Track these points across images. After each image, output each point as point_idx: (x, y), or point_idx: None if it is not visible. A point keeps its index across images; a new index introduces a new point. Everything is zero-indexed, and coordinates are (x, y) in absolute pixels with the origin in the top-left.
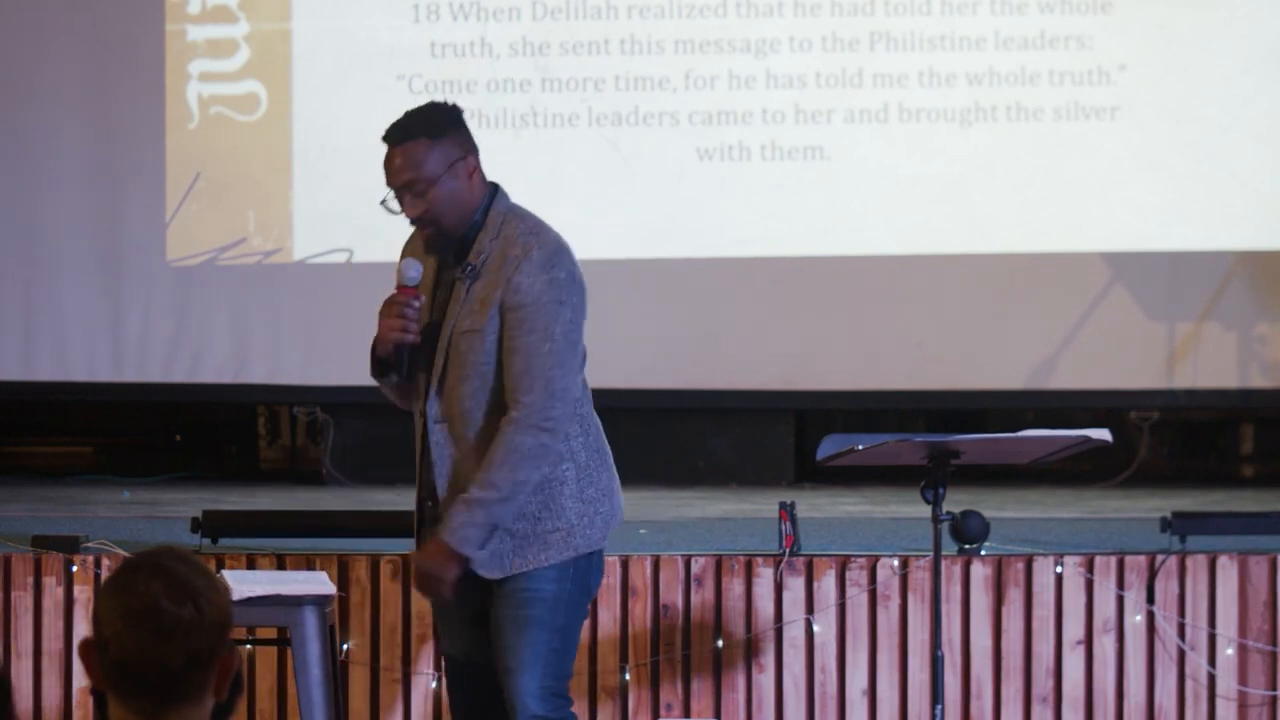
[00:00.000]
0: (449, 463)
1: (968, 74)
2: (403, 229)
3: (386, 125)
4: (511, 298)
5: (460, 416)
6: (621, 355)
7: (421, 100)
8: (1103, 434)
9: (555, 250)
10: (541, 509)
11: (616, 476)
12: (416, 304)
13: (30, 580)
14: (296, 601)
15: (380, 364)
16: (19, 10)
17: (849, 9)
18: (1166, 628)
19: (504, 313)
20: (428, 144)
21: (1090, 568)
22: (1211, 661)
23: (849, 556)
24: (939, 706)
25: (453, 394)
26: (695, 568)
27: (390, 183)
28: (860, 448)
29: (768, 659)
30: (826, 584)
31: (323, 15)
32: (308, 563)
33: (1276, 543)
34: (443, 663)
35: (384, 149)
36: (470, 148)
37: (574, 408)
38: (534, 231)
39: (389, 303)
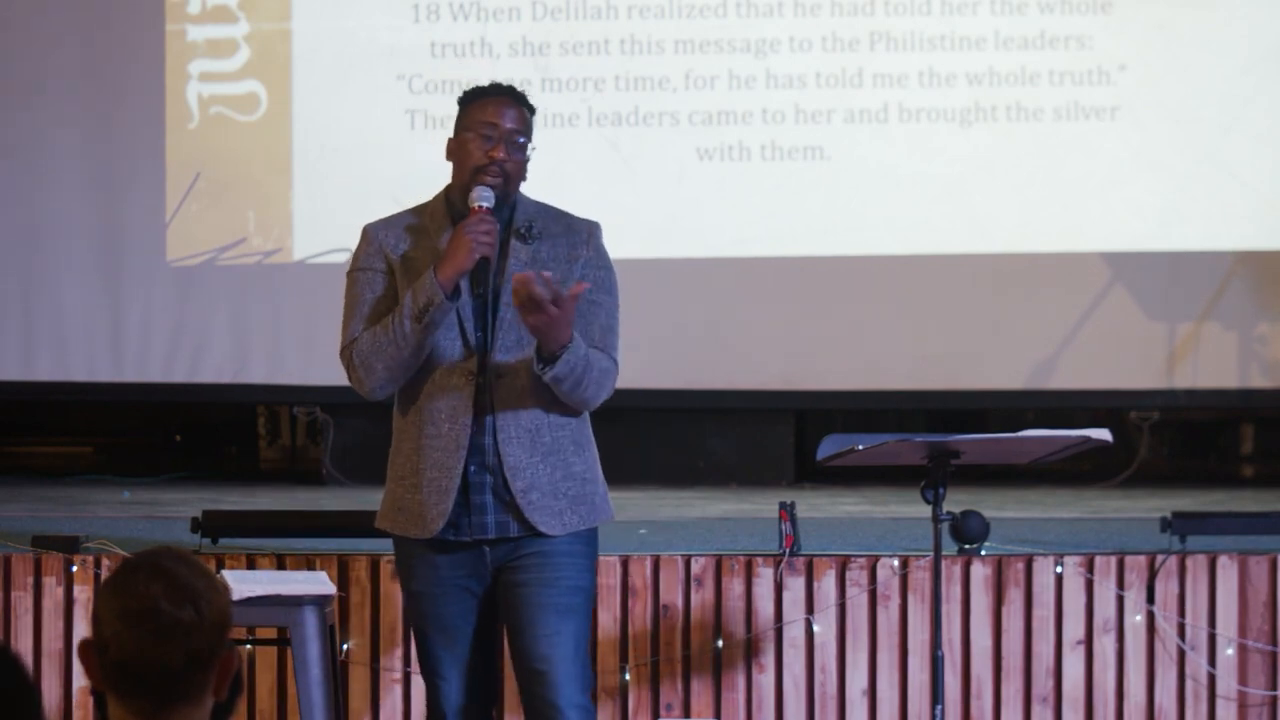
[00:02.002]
0: (519, 416)
1: (968, 74)
2: None
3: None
4: (596, 258)
5: (529, 370)
6: (622, 355)
7: (421, 100)
8: (1103, 434)
9: None
10: (586, 470)
11: None
12: (495, 224)
13: (30, 580)
14: (296, 601)
15: (422, 312)
16: (19, 10)
17: (849, 9)
18: (1166, 628)
19: (587, 271)
20: (530, 118)
21: (1090, 568)
22: (1211, 661)
23: (849, 556)
24: (939, 706)
25: (524, 346)
26: (695, 568)
27: (502, 125)
28: (860, 448)
29: (768, 659)
30: (826, 584)
31: (323, 15)
32: (308, 563)
33: (1276, 543)
34: (422, 644)
35: (383, 148)
36: None
37: None
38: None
39: (470, 220)
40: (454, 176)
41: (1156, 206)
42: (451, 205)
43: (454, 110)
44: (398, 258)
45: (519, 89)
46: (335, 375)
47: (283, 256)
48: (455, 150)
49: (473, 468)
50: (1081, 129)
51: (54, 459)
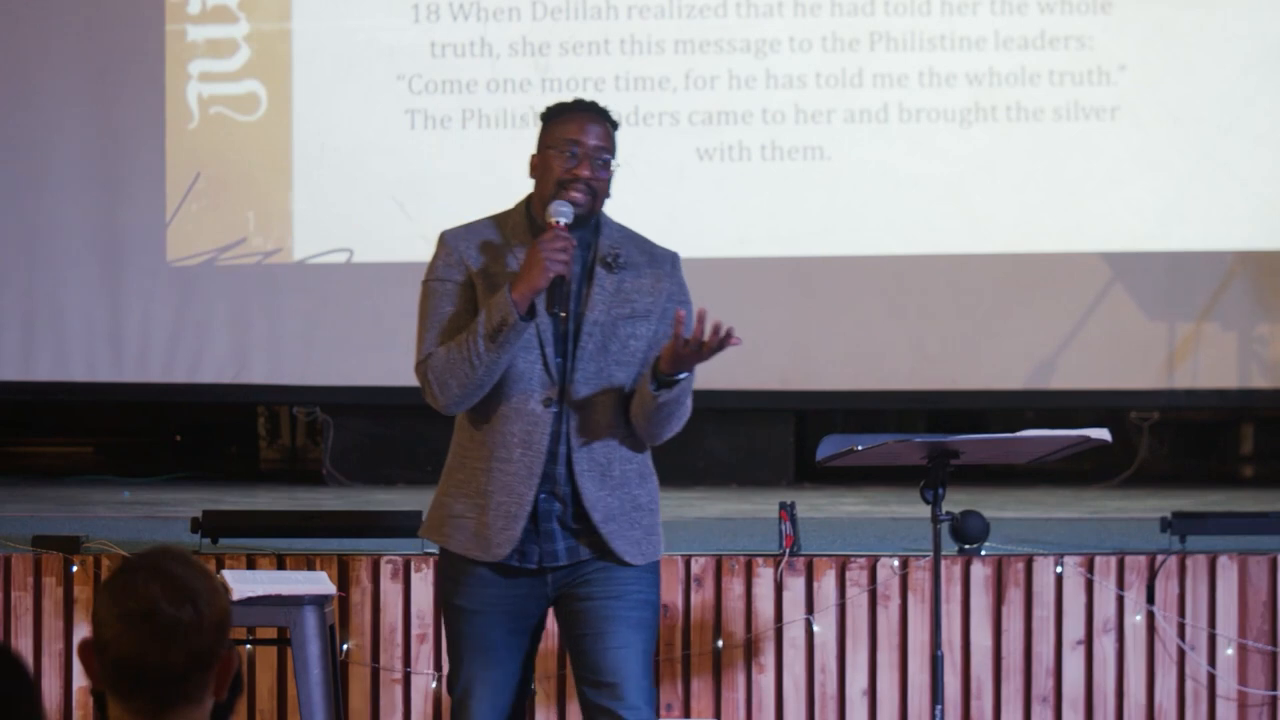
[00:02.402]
0: (593, 449)
1: (968, 74)
2: (400, 230)
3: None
4: (678, 291)
5: (613, 402)
6: None
7: (421, 100)
8: (1102, 434)
9: None
10: (650, 501)
11: None
12: (571, 241)
13: (30, 580)
14: (296, 601)
15: (496, 331)
16: (19, 10)
17: (849, 9)
18: (1166, 628)
19: (669, 304)
20: (614, 135)
21: (1090, 568)
22: (1211, 661)
23: (849, 556)
24: (939, 706)
25: (607, 378)
26: (695, 568)
27: (586, 142)
28: (860, 448)
29: (768, 659)
30: (826, 584)
31: (323, 15)
32: (308, 563)
33: (1276, 543)
34: (457, 662)
35: (383, 148)
36: None
37: None
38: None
39: (545, 238)
40: (536, 191)
41: (1156, 206)
42: (532, 221)
43: (453, 110)
44: (478, 270)
45: (603, 105)
46: (335, 375)
47: (283, 256)
48: (538, 166)
49: (543, 495)
50: (1081, 129)
51: (54, 459)
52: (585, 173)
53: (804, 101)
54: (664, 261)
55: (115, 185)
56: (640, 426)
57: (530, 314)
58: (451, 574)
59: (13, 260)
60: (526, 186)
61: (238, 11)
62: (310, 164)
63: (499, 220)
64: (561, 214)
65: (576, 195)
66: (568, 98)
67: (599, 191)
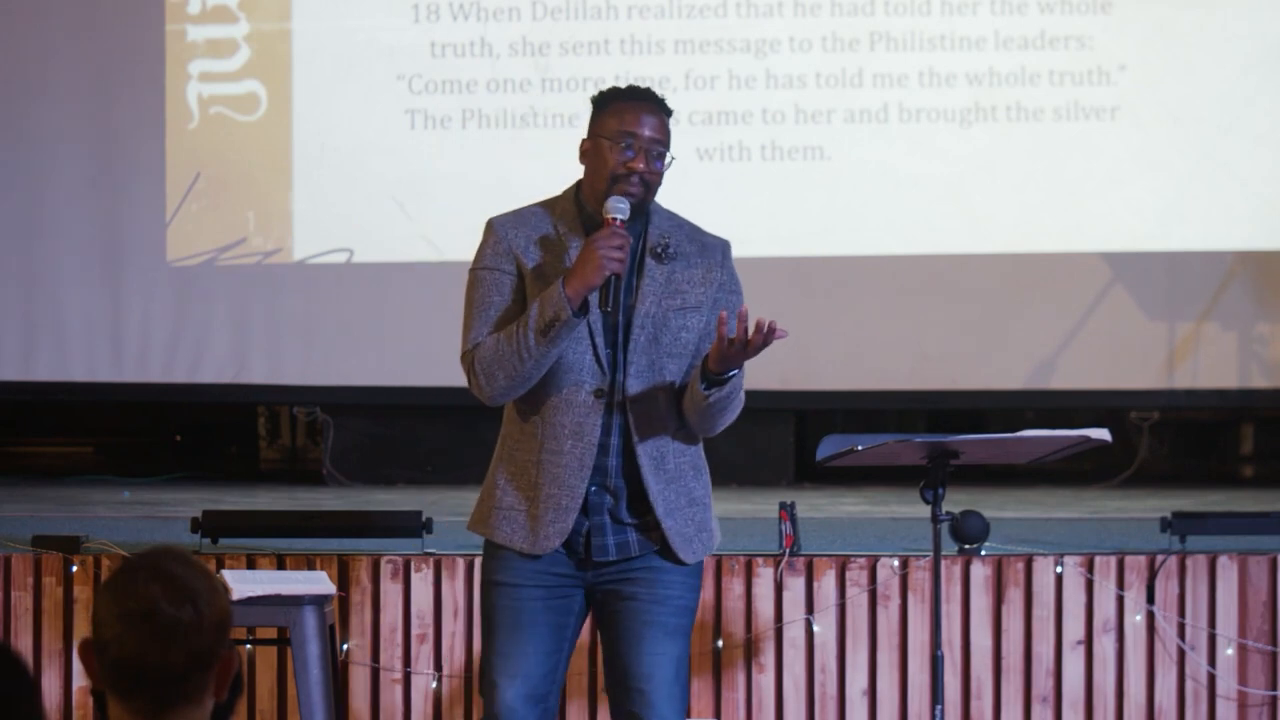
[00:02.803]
0: (648, 443)
1: (968, 74)
2: (400, 230)
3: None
4: (730, 281)
5: (665, 395)
6: None
7: (421, 100)
8: (1102, 434)
9: None
10: (704, 495)
11: None
12: (628, 239)
13: (30, 580)
14: (296, 601)
15: (548, 326)
16: (20, 11)
17: (849, 9)
18: (1166, 628)
19: (721, 295)
20: (669, 127)
21: (1090, 568)
22: (1211, 661)
23: (849, 556)
24: (939, 706)
25: (658, 371)
26: None
27: (641, 134)
28: (860, 448)
29: (768, 659)
30: (826, 584)
31: (323, 15)
32: (308, 563)
33: (1276, 543)
34: (491, 639)
35: (383, 148)
36: None
37: None
38: (702, 229)
39: (602, 235)
40: (587, 181)
41: (1156, 206)
42: (582, 209)
43: (453, 110)
44: (528, 262)
45: (659, 93)
46: (335, 375)
47: (283, 256)
48: (590, 155)
49: (594, 488)
50: (1081, 129)
51: (54, 459)
52: (641, 166)
53: (804, 101)
54: (715, 251)
55: (115, 185)
56: (693, 421)
57: (583, 310)
58: (494, 561)
59: (13, 260)
60: (526, 187)
61: (238, 11)
62: (310, 164)
63: (548, 207)
64: (619, 211)
65: (633, 190)
66: (621, 85)
67: (652, 185)
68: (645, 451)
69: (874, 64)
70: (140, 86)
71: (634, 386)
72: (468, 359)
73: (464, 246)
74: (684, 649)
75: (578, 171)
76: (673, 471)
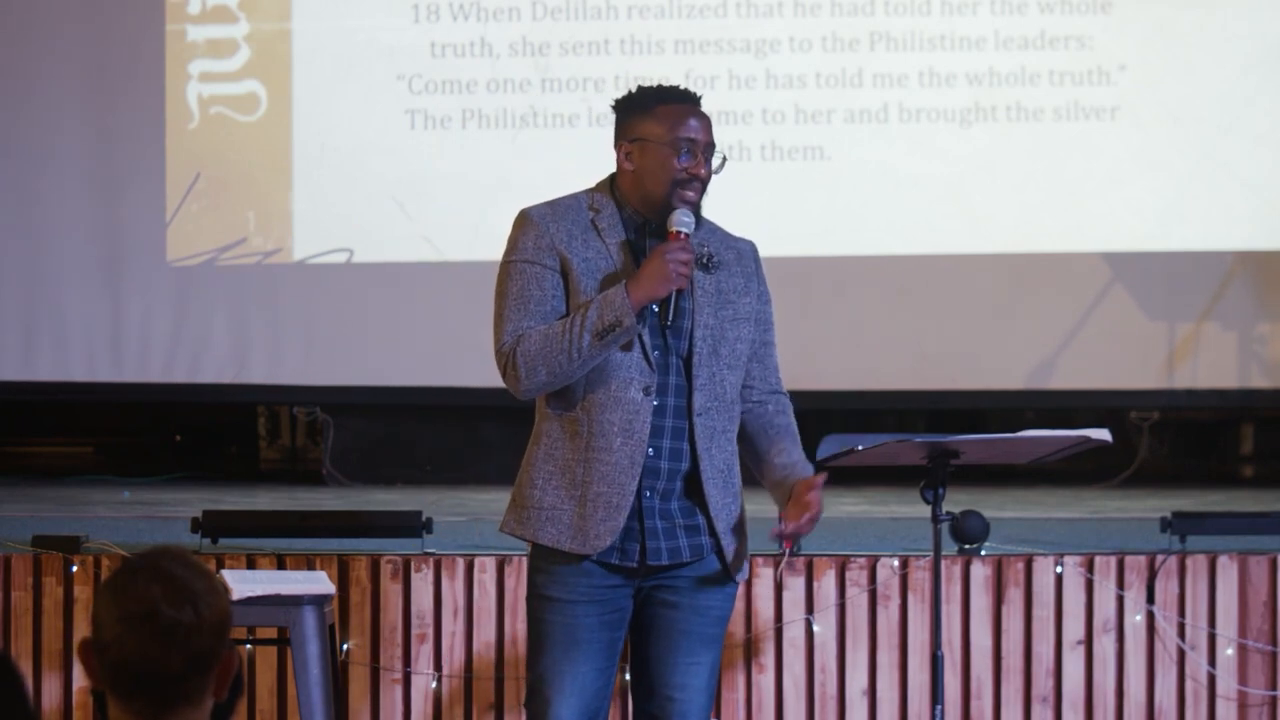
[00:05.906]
0: (715, 457)
1: (968, 74)
2: (400, 230)
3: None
4: (763, 289)
5: (725, 406)
6: None
7: (421, 100)
8: (1102, 434)
9: None
10: (743, 513)
11: None
12: (694, 253)
13: (30, 580)
14: (296, 601)
15: (607, 329)
16: (19, 11)
17: (849, 9)
18: (1166, 628)
19: (761, 306)
20: None
21: (1090, 568)
22: (1211, 661)
23: (849, 556)
24: (939, 706)
25: (719, 383)
26: None
27: (699, 138)
28: (860, 448)
29: (768, 659)
30: (826, 584)
31: (323, 15)
32: (308, 563)
33: (1276, 543)
34: (540, 655)
35: (383, 148)
36: None
37: None
38: (729, 232)
39: (673, 247)
40: (632, 182)
41: (1156, 206)
42: (622, 207)
43: (453, 110)
44: (572, 256)
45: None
46: (335, 375)
47: (283, 256)
48: (641, 158)
49: (647, 492)
50: (1081, 129)
51: (54, 459)
52: (703, 171)
53: (804, 101)
54: (748, 258)
55: (115, 185)
56: (750, 456)
57: (643, 318)
58: (544, 566)
59: (13, 260)
60: (525, 187)
61: (238, 11)
62: (310, 164)
63: (586, 201)
64: (685, 225)
65: (693, 195)
66: (651, 84)
67: (706, 184)
68: (712, 465)
69: (874, 64)
70: (140, 86)
71: (700, 400)
72: (507, 351)
73: (464, 246)
74: (717, 657)
75: (578, 171)
76: (735, 489)
